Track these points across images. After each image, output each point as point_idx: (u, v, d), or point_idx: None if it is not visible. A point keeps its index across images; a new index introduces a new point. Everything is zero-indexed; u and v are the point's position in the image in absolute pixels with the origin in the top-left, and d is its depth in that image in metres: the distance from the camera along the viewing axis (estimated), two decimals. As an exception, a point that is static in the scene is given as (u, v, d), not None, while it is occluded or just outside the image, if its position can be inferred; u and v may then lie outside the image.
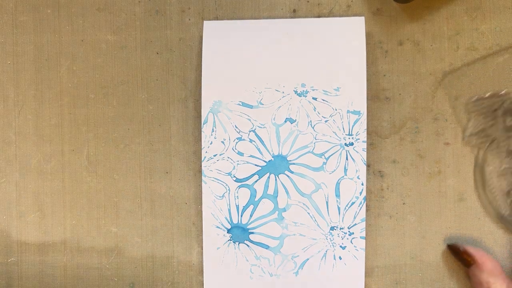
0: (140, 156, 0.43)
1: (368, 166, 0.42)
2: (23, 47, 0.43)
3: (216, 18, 0.42)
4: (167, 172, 0.42)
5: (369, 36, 0.42)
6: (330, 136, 0.41)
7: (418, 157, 0.42)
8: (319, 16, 0.42)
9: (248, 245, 0.41)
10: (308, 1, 0.42)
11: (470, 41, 0.41)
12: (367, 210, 0.42)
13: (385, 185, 0.42)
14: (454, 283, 0.42)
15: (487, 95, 0.40)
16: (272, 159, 0.41)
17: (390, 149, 0.42)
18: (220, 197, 0.41)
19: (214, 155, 0.41)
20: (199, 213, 0.42)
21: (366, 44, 0.42)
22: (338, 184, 0.40)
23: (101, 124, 0.43)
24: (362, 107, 0.40)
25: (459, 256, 0.39)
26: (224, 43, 0.41)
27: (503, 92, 0.40)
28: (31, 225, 0.43)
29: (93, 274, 0.43)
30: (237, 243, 0.41)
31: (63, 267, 0.43)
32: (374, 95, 0.42)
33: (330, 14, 0.42)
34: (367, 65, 0.42)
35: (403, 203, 0.42)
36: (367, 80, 0.42)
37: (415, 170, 0.42)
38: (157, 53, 0.43)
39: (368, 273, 0.42)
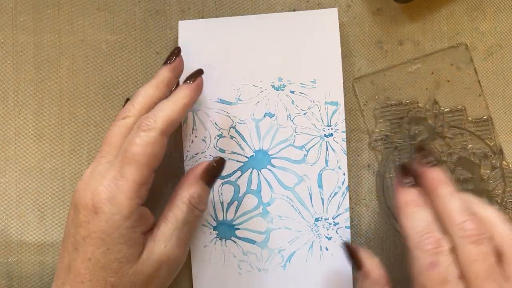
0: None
1: (368, 166, 0.42)
2: (23, 47, 0.43)
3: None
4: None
5: (369, 36, 0.42)
6: (310, 128, 0.41)
7: (418, 157, 0.42)
8: (319, 16, 0.42)
9: (234, 241, 0.41)
10: (308, 1, 0.42)
11: (470, 41, 0.42)
12: (367, 210, 0.42)
13: (385, 185, 0.42)
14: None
15: (393, 102, 0.41)
16: (254, 154, 0.41)
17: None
18: None
19: (196, 154, 0.41)
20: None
21: (366, 44, 0.42)
22: (320, 175, 0.41)
23: (101, 124, 0.43)
24: (340, 97, 0.41)
25: (350, 258, 0.36)
26: (200, 42, 0.41)
27: (408, 101, 0.41)
28: (31, 225, 0.43)
29: (93, 274, 0.43)
30: (223, 240, 0.41)
31: (63, 267, 0.43)
32: (374, 94, 0.42)
33: (330, 14, 0.42)
34: (367, 65, 0.42)
35: (403, 203, 0.42)
36: (367, 80, 0.42)
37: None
38: (157, 53, 0.43)
39: (368, 273, 0.42)
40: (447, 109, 0.41)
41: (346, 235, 0.40)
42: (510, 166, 0.41)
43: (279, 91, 0.41)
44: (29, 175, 0.43)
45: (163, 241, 0.35)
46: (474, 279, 0.30)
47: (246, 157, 0.41)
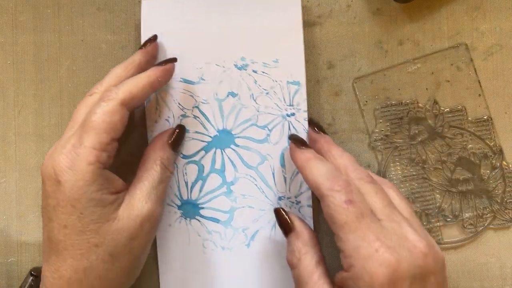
0: (139, 155, 0.42)
1: (368, 166, 0.42)
2: (23, 47, 0.43)
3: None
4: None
5: (369, 36, 0.42)
6: (272, 108, 0.41)
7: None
8: (319, 17, 0.42)
9: (199, 220, 0.41)
10: (308, 1, 0.42)
11: (470, 41, 0.42)
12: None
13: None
14: (454, 282, 0.42)
15: (393, 102, 0.41)
16: (217, 134, 0.41)
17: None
18: None
19: None
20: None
21: (366, 44, 0.42)
22: (282, 154, 0.41)
23: (101, 124, 0.43)
24: (301, 77, 0.41)
25: (281, 221, 0.38)
26: (163, 22, 0.41)
27: (408, 101, 0.41)
28: (31, 225, 0.43)
29: (93, 274, 0.43)
30: (188, 219, 0.41)
31: (63, 267, 0.43)
32: (374, 94, 0.42)
33: (331, 13, 0.42)
34: (367, 65, 0.42)
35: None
36: (367, 80, 0.42)
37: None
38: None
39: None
40: (447, 109, 0.41)
41: (308, 214, 0.41)
42: (510, 166, 0.41)
43: (242, 71, 0.41)
44: (29, 175, 0.43)
45: (144, 199, 0.36)
46: (380, 210, 0.33)
47: (210, 136, 0.41)
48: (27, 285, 0.40)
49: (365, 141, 0.42)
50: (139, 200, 0.36)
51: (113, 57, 0.43)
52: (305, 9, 0.42)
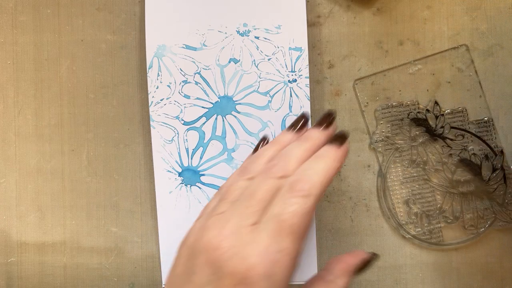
0: (140, 156, 0.43)
1: (368, 166, 0.42)
2: (23, 47, 0.43)
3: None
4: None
5: (369, 36, 0.42)
6: (274, 74, 0.41)
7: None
8: (319, 17, 0.42)
9: (200, 187, 0.42)
10: (308, 1, 0.42)
11: (470, 41, 0.41)
12: (367, 211, 0.42)
13: (385, 186, 0.42)
14: (454, 283, 0.41)
15: (394, 103, 0.41)
16: (219, 100, 0.41)
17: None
18: (169, 141, 0.42)
19: (161, 100, 0.41)
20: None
21: (366, 44, 0.42)
22: (284, 121, 0.41)
23: (101, 124, 0.43)
24: (303, 43, 0.41)
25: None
26: None
27: (409, 102, 0.41)
28: (31, 225, 0.43)
29: (93, 274, 0.43)
30: (189, 185, 0.42)
31: (63, 267, 0.43)
32: (375, 95, 0.42)
33: (330, 14, 0.42)
34: (367, 65, 0.42)
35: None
36: (368, 81, 0.42)
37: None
38: (157, 53, 0.43)
39: (368, 273, 0.42)
40: (448, 110, 0.41)
41: None
42: (511, 167, 0.41)
43: (244, 37, 0.41)
44: (29, 175, 0.43)
45: None
46: None
47: (211, 103, 0.41)
48: None
49: (366, 142, 0.42)
50: None
51: (113, 57, 0.43)
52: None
